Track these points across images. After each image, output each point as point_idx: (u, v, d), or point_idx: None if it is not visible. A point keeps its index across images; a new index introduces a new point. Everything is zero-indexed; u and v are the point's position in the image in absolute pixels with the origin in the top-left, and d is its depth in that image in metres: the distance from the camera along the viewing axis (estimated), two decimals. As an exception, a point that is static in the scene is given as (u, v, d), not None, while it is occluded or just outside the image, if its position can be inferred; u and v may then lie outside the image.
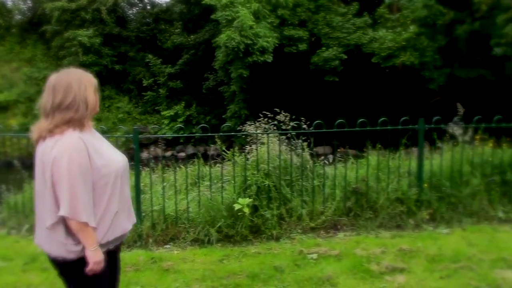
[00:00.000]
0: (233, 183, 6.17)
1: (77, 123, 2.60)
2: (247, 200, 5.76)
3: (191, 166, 7.39)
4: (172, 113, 25.02)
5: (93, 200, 2.58)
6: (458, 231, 5.88)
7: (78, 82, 2.63)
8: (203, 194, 6.19)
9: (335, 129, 6.06)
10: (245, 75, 21.25)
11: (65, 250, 2.57)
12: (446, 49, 21.76)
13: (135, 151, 6.01)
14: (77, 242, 2.57)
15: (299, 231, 5.92)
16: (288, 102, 20.85)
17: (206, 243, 5.71)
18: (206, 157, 7.74)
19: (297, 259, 5.08)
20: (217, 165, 6.93)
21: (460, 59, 21.95)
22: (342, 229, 6.04)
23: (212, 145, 7.56)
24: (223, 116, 23.18)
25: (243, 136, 8.46)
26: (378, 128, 6.15)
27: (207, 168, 6.88)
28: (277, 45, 21.56)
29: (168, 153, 20.78)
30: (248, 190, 6.02)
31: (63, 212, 2.47)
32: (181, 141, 21.62)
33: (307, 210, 6.09)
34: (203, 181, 6.80)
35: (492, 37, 20.03)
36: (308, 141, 6.66)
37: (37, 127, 2.63)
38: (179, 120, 24.59)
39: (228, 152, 6.73)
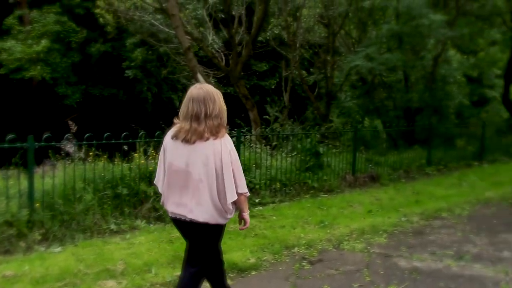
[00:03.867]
0: None
1: (224, 127, 3.42)
2: None
3: None
4: None
5: None
6: (70, 248, 5.86)
7: (217, 96, 3.40)
8: None
9: None
10: None
11: (225, 218, 3.43)
12: (81, 67, 22.07)
13: None
14: (232, 211, 3.45)
15: None
16: None
17: None
18: None
19: None
20: None
21: (94, 77, 22.59)
22: None
23: None
24: None
25: None
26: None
27: None
28: None
29: None
30: None
31: (244, 190, 3.44)
32: None
33: None
34: None
35: (124, 59, 21.40)
36: None
37: (195, 130, 3.31)
38: None
39: None
